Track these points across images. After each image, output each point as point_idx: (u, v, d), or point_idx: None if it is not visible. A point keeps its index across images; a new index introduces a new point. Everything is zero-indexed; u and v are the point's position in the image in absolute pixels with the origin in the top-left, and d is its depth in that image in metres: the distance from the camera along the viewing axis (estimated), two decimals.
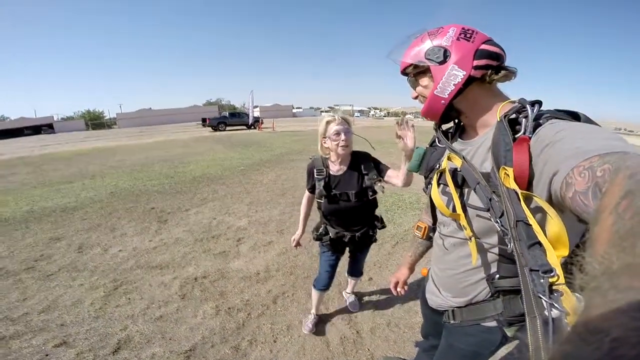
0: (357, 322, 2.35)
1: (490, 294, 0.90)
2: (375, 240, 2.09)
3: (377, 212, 2.04)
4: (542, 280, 0.53)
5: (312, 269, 3.00)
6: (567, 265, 0.65)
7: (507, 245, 0.70)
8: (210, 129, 23.28)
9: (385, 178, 1.85)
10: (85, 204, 5.24)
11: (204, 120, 24.73)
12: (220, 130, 22.71)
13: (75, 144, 16.60)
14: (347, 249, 2.09)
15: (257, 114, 30.98)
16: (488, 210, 0.75)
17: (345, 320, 2.36)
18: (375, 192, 1.87)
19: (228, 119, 24.46)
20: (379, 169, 1.87)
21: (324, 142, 1.79)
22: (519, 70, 0.82)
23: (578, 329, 0.21)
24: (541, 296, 0.52)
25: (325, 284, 2.11)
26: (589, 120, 0.70)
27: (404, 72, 0.93)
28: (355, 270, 2.32)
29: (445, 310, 1.05)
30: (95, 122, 45.64)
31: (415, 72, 0.88)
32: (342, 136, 1.72)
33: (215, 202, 5.12)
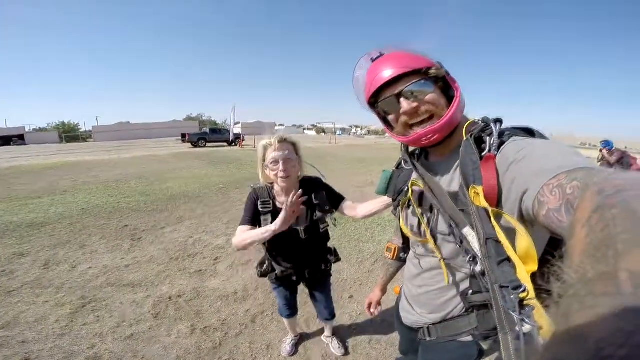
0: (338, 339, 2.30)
1: (464, 309, 0.90)
2: (330, 275, 1.92)
3: (330, 244, 1.86)
4: (512, 296, 0.54)
5: None
6: (544, 275, 0.66)
7: (476, 264, 0.74)
8: (190, 144, 22.90)
9: (340, 210, 1.68)
10: (54, 219, 4.98)
11: (183, 135, 24.29)
12: (200, 147, 22.34)
13: (47, 157, 15.84)
14: (302, 283, 1.89)
15: (238, 130, 30.73)
16: (450, 234, 0.79)
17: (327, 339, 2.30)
18: (327, 225, 1.69)
19: (208, 135, 24.10)
20: (333, 199, 1.69)
21: (265, 170, 1.55)
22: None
23: (560, 334, 0.22)
24: (511, 312, 0.53)
25: (289, 313, 1.99)
26: (542, 136, 0.75)
27: (403, 77, 0.81)
28: (324, 312, 1.99)
29: (420, 328, 1.05)
30: (69, 134, 43.87)
31: (426, 79, 0.81)
32: (281, 166, 1.46)
33: (192, 221, 4.98)
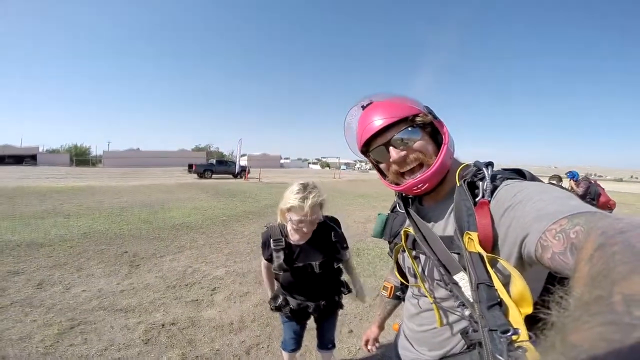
0: None
1: (465, 347, 0.87)
2: (342, 307, 1.93)
3: (343, 277, 1.92)
4: (501, 340, 0.55)
5: None
6: (545, 303, 0.66)
7: (466, 309, 0.75)
8: (196, 175, 23.16)
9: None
10: (54, 241, 4.96)
11: (190, 166, 24.66)
12: (206, 178, 22.55)
13: (55, 180, 16.08)
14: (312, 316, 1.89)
15: (244, 162, 31.00)
16: (440, 280, 0.81)
17: None
18: (340, 261, 1.76)
19: (215, 166, 24.39)
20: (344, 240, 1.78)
21: (286, 218, 1.57)
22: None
23: (557, 347, 0.24)
24: (498, 356, 0.54)
25: (293, 348, 1.95)
26: (533, 177, 0.77)
27: (392, 126, 0.83)
28: (325, 342, 1.99)
29: None
30: (80, 158, 44.73)
31: (413, 126, 0.82)
32: (305, 228, 1.55)
33: (192, 251, 4.91)
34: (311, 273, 1.66)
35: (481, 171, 0.76)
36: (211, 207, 9.26)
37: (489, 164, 0.76)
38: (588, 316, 0.24)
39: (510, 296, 0.60)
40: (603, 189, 5.56)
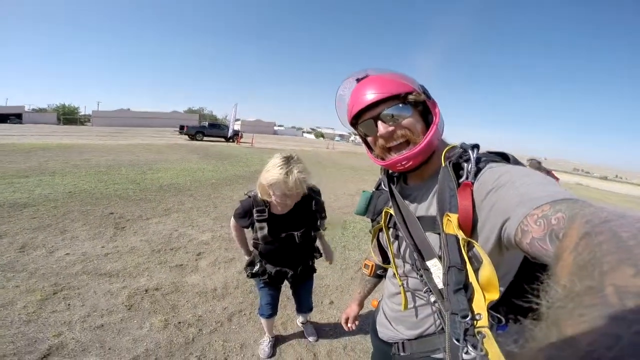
0: (314, 344, 2.30)
1: (440, 327, 0.90)
2: (315, 270, 2.02)
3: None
4: (461, 324, 0.58)
5: None
6: (533, 290, 0.68)
7: (432, 294, 0.78)
8: (187, 137, 22.72)
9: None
10: (38, 201, 4.86)
11: (181, 127, 24.14)
12: (198, 140, 22.14)
13: (41, 137, 15.60)
14: (288, 281, 1.96)
15: (237, 127, 30.51)
16: (412, 265, 0.83)
17: (302, 343, 2.30)
18: (318, 229, 1.83)
19: (207, 129, 23.89)
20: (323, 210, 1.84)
21: (267, 191, 1.54)
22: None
23: (553, 340, 0.24)
24: (454, 340, 0.57)
25: (270, 313, 2.00)
26: (517, 161, 0.77)
27: (383, 101, 0.81)
28: (303, 307, 2.12)
29: (395, 343, 1.05)
30: (68, 117, 43.45)
31: (405, 103, 0.82)
32: (289, 201, 1.56)
33: (179, 214, 4.90)
34: (292, 242, 1.70)
35: (467, 153, 0.75)
36: (200, 169, 9.19)
37: (475, 146, 0.76)
38: (583, 308, 0.24)
39: (478, 281, 0.60)
40: (557, 178, 5.82)
